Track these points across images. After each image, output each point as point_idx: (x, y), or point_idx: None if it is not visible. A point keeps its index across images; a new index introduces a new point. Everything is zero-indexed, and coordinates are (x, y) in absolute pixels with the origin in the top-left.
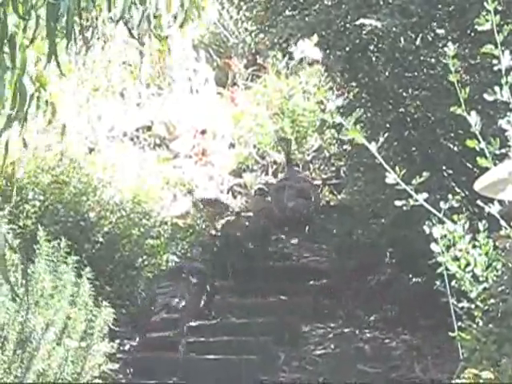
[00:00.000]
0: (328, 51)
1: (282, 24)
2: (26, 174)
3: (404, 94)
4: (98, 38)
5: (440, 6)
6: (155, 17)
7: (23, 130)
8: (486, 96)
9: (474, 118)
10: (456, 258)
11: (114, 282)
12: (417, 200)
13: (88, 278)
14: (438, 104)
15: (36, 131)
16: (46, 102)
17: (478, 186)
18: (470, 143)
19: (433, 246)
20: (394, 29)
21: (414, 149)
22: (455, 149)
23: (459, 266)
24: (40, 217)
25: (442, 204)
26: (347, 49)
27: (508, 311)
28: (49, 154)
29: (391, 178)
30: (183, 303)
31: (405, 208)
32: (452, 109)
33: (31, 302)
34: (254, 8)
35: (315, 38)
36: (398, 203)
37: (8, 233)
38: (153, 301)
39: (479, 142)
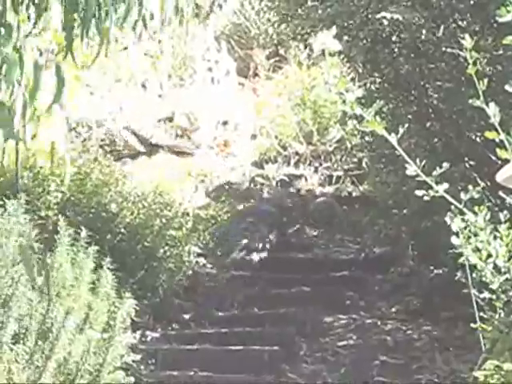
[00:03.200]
0: (350, 42)
1: (303, 15)
2: (49, 164)
3: (426, 85)
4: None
5: None
6: (151, 18)
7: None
8: (507, 87)
9: (492, 109)
10: (477, 249)
11: (135, 273)
12: (437, 191)
13: (110, 269)
14: (459, 95)
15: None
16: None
17: (500, 177)
18: (489, 134)
19: (453, 239)
20: (416, 20)
21: (435, 140)
22: (477, 140)
23: (480, 258)
24: (62, 208)
25: (462, 195)
26: (369, 40)
27: None
28: (71, 145)
29: (412, 169)
30: None
31: (426, 199)
32: (470, 100)
33: (52, 292)
34: None
35: (334, 29)
36: (418, 193)
37: (26, 223)
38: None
39: (498, 133)
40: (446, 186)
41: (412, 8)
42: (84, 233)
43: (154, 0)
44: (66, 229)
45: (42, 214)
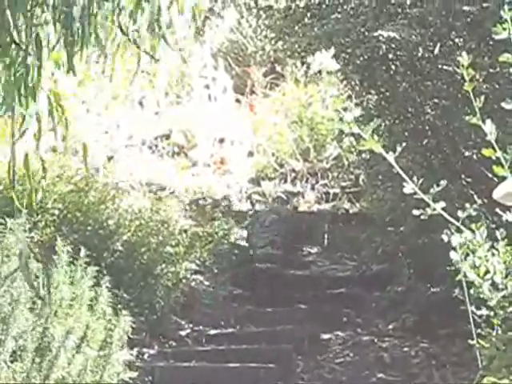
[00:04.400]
0: (346, 60)
1: (300, 32)
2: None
3: (423, 102)
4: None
5: (457, 16)
6: (168, 27)
7: (38, 147)
8: (503, 105)
9: (489, 127)
10: (475, 266)
11: (132, 291)
12: (435, 209)
13: (107, 287)
14: (456, 112)
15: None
16: (62, 118)
17: (497, 194)
18: (486, 152)
19: (452, 254)
20: (412, 38)
21: (432, 157)
22: (474, 157)
23: (478, 274)
24: (59, 225)
25: (459, 213)
26: (366, 57)
27: None
28: (68, 163)
29: (409, 187)
30: None
31: (423, 217)
32: (467, 118)
33: (50, 311)
34: (272, 16)
35: (332, 49)
36: (415, 213)
37: (25, 241)
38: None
39: (495, 150)
40: (443, 204)
41: (409, 26)
42: (83, 252)
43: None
44: (64, 247)
45: (39, 232)
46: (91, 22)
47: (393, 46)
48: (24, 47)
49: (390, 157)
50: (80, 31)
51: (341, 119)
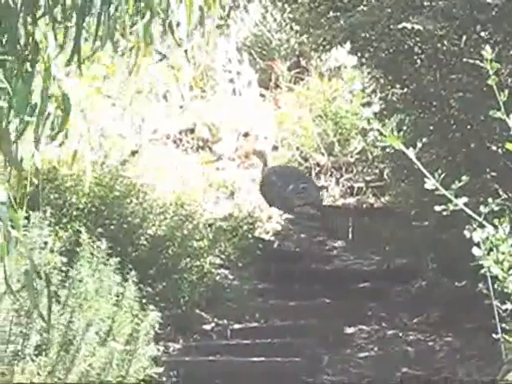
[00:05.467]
0: (371, 53)
1: (325, 26)
2: (70, 176)
3: (448, 96)
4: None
5: (483, 9)
6: (178, 25)
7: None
8: None
9: None
10: (498, 261)
11: (157, 285)
12: (456, 205)
13: (133, 281)
14: (481, 106)
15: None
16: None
17: None
18: (510, 146)
19: (475, 250)
20: (437, 31)
21: (457, 151)
22: (499, 151)
23: (502, 269)
24: (83, 220)
25: (482, 208)
26: (390, 51)
27: None
28: (93, 157)
29: (430, 183)
30: None
31: (445, 213)
32: (491, 112)
33: (75, 304)
34: (297, 10)
35: (348, 44)
36: (437, 209)
37: (49, 235)
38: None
39: None
40: (465, 199)
41: (434, 19)
42: (105, 245)
43: (181, 10)
44: (88, 241)
45: (64, 226)
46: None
47: (417, 39)
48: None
49: (411, 152)
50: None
51: (361, 116)
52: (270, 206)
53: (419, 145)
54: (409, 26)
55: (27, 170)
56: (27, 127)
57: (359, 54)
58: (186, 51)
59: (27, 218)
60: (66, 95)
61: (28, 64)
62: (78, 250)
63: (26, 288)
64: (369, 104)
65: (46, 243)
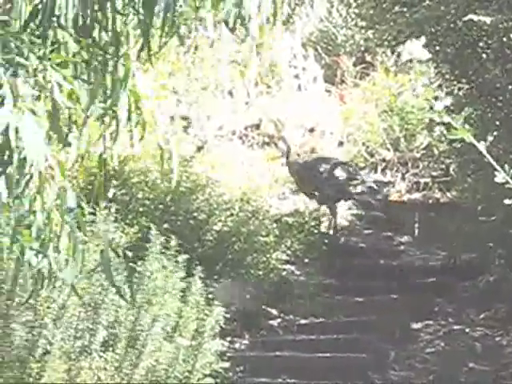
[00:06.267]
0: (437, 48)
1: (390, 21)
2: (137, 172)
3: None
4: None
5: None
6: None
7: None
8: None
9: None
10: None
11: (223, 280)
12: None
13: (199, 277)
14: None
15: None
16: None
17: None
18: None
19: None
20: (503, 24)
21: None
22: None
23: None
24: (149, 215)
25: None
26: (456, 46)
27: None
28: (158, 153)
29: (500, 176)
30: None
31: None
32: None
33: (143, 300)
34: (363, 5)
35: (423, 38)
36: (507, 202)
37: (116, 231)
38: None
39: None
40: None
41: (499, 11)
42: (174, 241)
43: (254, 3)
44: (157, 237)
45: (130, 222)
46: (174, 14)
47: (483, 33)
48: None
49: (481, 146)
50: (163, 23)
51: (431, 108)
52: (310, 194)
53: (490, 138)
54: (475, 18)
55: (96, 164)
56: (112, 123)
57: (426, 49)
58: (256, 45)
59: (93, 213)
60: (137, 91)
61: (110, 58)
62: (146, 245)
63: (102, 266)
64: (436, 98)
65: (112, 239)
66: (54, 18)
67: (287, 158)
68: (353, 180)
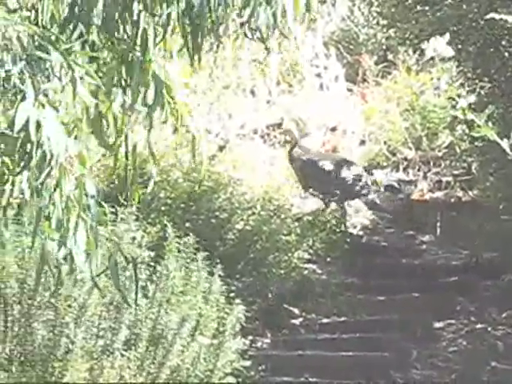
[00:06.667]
0: (460, 47)
1: (412, 19)
2: (158, 171)
3: None
4: (229, 36)
5: None
6: (283, 17)
7: (149, 135)
8: None
9: None
10: None
11: (245, 280)
12: None
13: (219, 276)
14: None
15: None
16: (174, 110)
17: None
18: None
19: None
20: None
21: None
22: None
23: None
24: (171, 214)
25: None
26: (478, 44)
27: None
28: (180, 152)
29: None
30: None
31: None
32: None
33: (163, 299)
34: (385, 3)
35: (447, 36)
36: None
37: (137, 230)
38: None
39: None
40: None
41: None
42: (192, 239)
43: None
44: (175, 236)
45: (151, 221)
46: (211, 12)
47: (505, 32)
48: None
49: (505, 144)
50: (199, 20)
51: (454, 106)
52: (308, 189)
53: None
54: (496, 16)
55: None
56: (148, 117)
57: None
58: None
59: (115, 213)
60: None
61: (138, 53)
62: (165, 244)
63: (110, 271)
64: (458, 96)
65: (133, 238)
66: (83, 15)
67: (290, 151)
68: (359, 180)
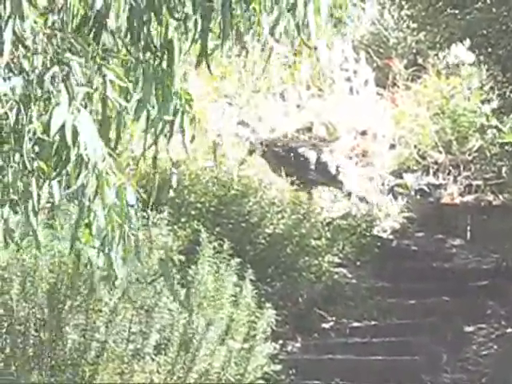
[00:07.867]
0: (489, 50)
1: (442, 23)
2: (188, 175)
3: None
4: (258, 40)
5: None
6: (304, 25)
7: (169, 145)
8: None
9: None
10: None
11: (275, 284)
12: None
13: (250, 280)
14: None
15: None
16: (192, 119)
17: None
18: None
19: None
20: None
21: None
22: None
23: None
24: (201, 219)
25: None
26: (508, 48)
27: None
28: (209, 157)
29: None
30: None
31: None
32: None
33: (194, 303)
34: (415, 6)
35: (468, 41)
36: None
37: (168, 234)
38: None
39: None
40: None
41: None
42: (227, 245)
43: (310, 8)
44: (208, 240)
45: (182, 225)
46: (233, 16)
47: None
48: (158, 53)
49: None
50: (221, 25)
51: (474, 112)
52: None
53: None
54: None
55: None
56: (165, 126)
57: (477, 52)
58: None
59: (146, 217)
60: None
61: (164, 63)
62: (198, 249)
63: (163, 275)
64: (488, 101)
65: (165, 242)
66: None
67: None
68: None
